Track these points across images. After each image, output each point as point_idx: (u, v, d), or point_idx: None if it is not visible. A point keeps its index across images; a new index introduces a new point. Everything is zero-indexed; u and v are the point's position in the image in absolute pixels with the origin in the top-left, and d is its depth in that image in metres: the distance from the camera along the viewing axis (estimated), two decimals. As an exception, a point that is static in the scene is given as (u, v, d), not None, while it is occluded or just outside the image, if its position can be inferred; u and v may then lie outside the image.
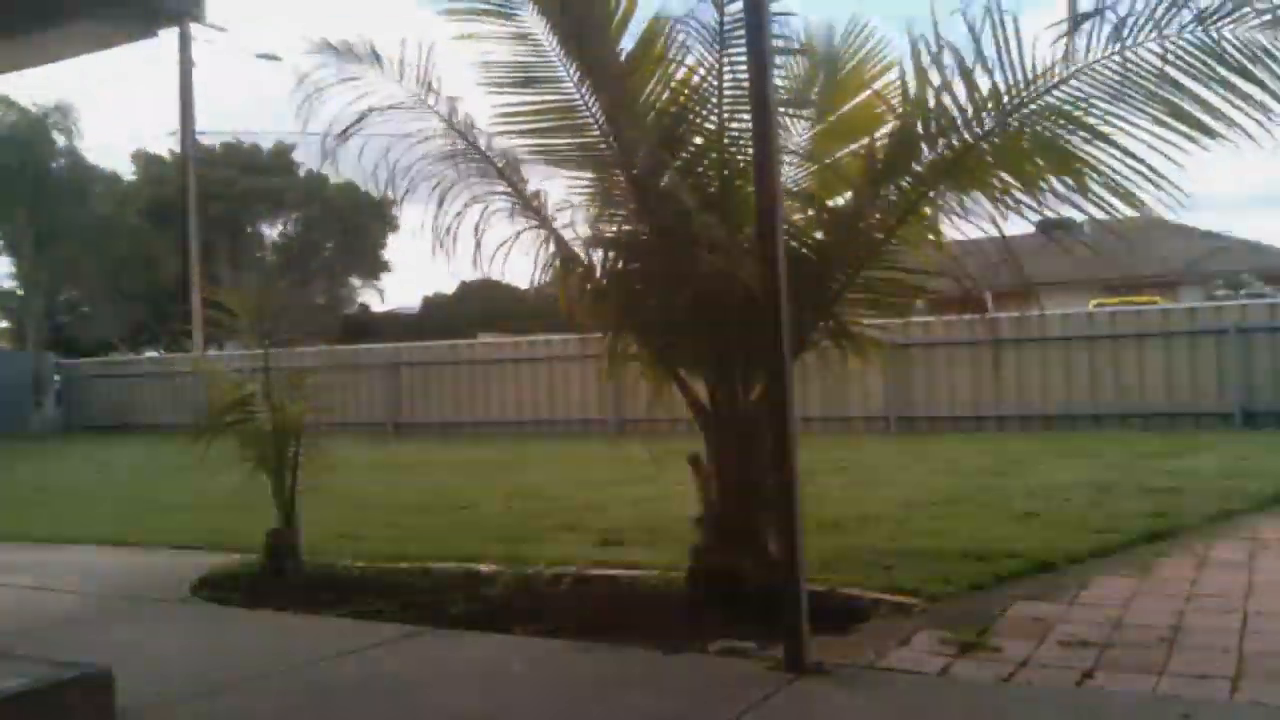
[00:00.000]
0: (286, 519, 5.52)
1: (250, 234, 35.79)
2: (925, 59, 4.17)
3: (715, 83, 4.57)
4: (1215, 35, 3.75)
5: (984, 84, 4.07)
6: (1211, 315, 14.23)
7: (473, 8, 4.70)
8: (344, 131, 4.76)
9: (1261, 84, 3.72)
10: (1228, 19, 3.72)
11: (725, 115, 4.62)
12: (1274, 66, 3.70)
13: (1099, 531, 5.83)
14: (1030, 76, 4.01)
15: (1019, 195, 4.17)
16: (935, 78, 4.17)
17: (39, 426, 21.89)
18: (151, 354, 30.01)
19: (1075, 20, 3.90)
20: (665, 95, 4.75)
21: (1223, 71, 3.76)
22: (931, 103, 4.20)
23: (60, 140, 24.24)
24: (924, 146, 4.27)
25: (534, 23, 4.70)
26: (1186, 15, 3.76)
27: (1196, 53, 3.79)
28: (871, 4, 5.41)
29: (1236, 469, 8.58)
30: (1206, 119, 3.80)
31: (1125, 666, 3.54)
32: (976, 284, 4.53)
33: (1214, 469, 8.65)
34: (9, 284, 26.81)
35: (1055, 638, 3.88)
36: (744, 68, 4.05)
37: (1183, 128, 3.83)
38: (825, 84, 5.08)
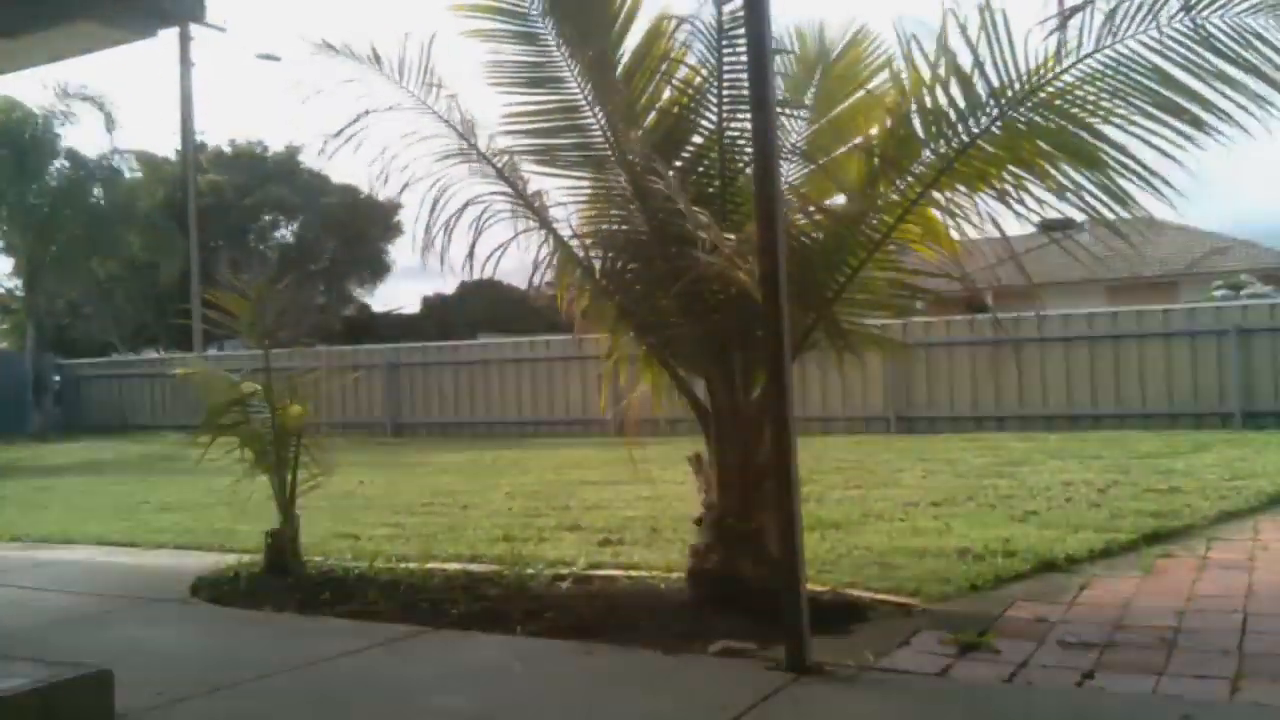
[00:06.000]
0: (285, 519, 5.52)
1: (251, 236, 35.75)
2: (919, 58, 4.16)
3: (715, 82, 4.57)
4: (1204, 23, 3.73)
5: (980, 82, 4.05)
6: (1211, 316, 14.24)
7: (483, 4, 4.70)
8: (341, 132, 4.77)
9: (1257, 71, 3.70)
10: (1215, 7, 3.71)
11: (725, 115, 4.62)
12: (1265, 51, 3.68)
13: (1099, 531, 5.82)
14: (1025, 73, 3.97)
15: (1019, 192, 4.15)
16: (927, 75, 4.16)
17: (38, 427, 21.86)
18: (151, 354, 29.97)
19: (1064, 15, 3.87)
20: (667, 95, 4.75)
21: (1217, 62, 3.74)
22: (928, 102, 4.19)
23: (103, 129, 23.80)
24: (922, 144, 4.25)
25: (541, 23, 4.70)
26: (1174, 4, 3.74)
27: (1187, 43, 3.77)
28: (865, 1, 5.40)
29: (1237, 469, 8.57)
30: (1200, 112, 3.78)
31: (1125, 667, 3.53)
32: (977, 284, 4.53)
33: (1214, 469, 8.64)
34: (9, 284, 26.76)
35: (1055, 638, 3.88)
36: (743, 67, 4.04)
37: (1176, 123, 3.81)
38: (820, 82, 5.08)
